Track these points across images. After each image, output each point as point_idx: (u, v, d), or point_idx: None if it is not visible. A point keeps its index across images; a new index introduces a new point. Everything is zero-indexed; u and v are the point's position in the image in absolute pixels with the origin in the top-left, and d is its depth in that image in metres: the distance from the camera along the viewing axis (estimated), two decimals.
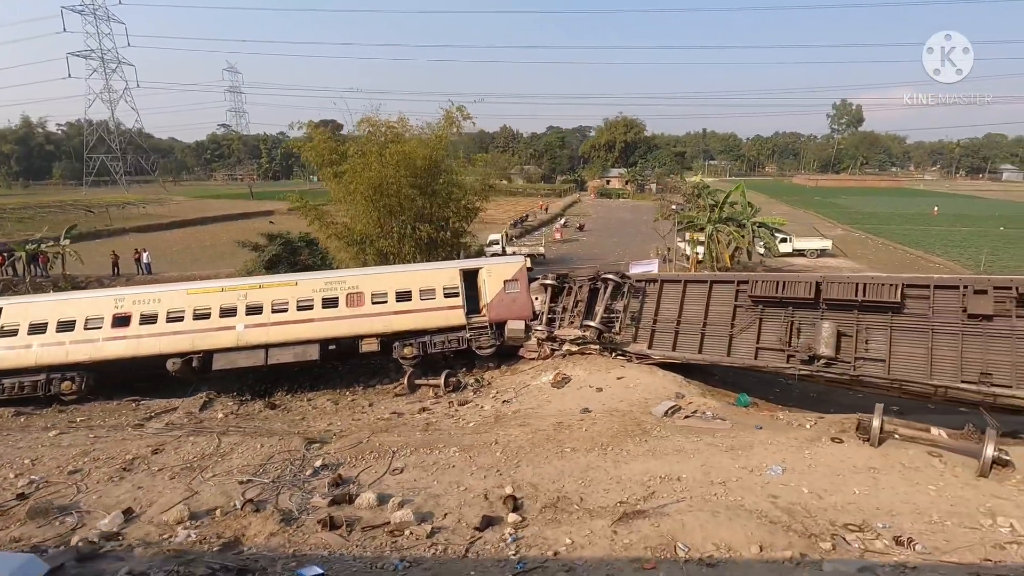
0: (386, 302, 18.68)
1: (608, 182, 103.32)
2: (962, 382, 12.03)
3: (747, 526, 7.25)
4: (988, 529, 8.00)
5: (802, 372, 14.00)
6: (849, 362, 13.34)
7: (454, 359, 19.80)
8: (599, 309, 17.02)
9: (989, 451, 9.20)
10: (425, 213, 25.00)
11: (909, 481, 9.28)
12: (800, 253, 39.37)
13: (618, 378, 15.64)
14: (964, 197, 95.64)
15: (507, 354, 19.76)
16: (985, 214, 67.85)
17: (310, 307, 18.37)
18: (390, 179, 22.95)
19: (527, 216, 56.95)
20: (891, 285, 12.93)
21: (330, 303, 18.48)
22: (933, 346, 12.55)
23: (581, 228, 53.80)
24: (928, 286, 12.95)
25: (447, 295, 18.97)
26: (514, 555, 7.14)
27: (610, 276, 17.29)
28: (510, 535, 7.68)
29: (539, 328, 18.42)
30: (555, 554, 7.07)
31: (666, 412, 12.43)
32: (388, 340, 18.77)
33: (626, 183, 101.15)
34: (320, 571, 6.38)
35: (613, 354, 17.07)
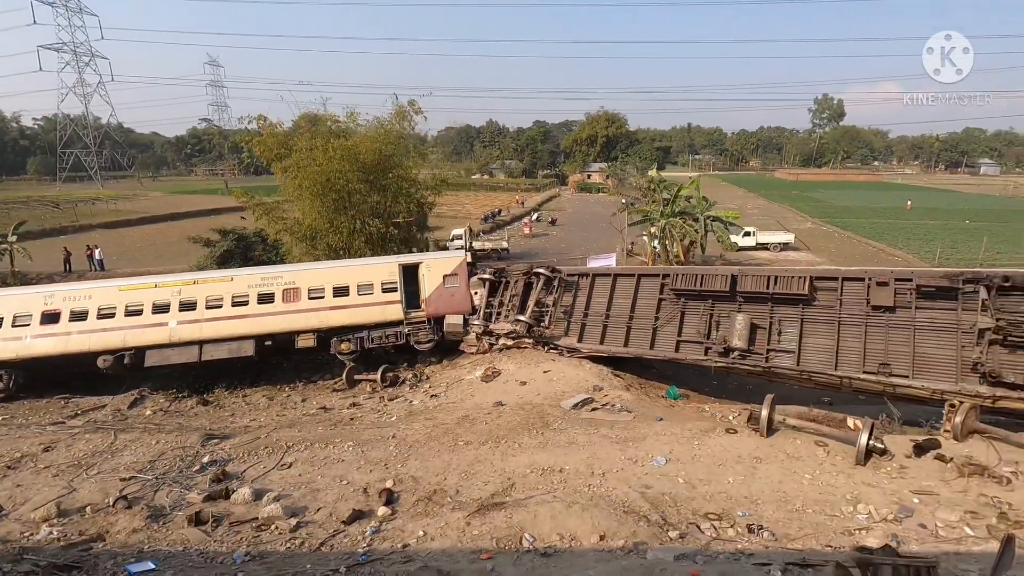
0: (323, 297, 18.63)
1: (589, 177, 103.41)
2: (863, 373, 12.22)
3: (598, 517, 7.34)
4: (846, 516, 8.16)
5: (718, 364, 14.14)
6: (762, 354, 13.49)
7: (397, 354, 19.81)
8: (530, 303, 17.08)
9: (863, 440, 9.36)
10: (376, 208, 24.92)
11: (787, 470, 9.42)
12: (764, 247, 39.69)
13: (544, 372, 15.73)
14: (940, 191, 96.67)
15: (450, 349, 19.80)
16: (956, 208, 68.64)
17: (245, 303, 18.27)
18: (336, 174, 22.82)
19: (500, 211, 56.94)
20: (800, 278, 13.08)
21: (266, 299, 18.39)
22: (840, 337, 12.72)
23: (553, 223, 53.88)
24: (837, 278, 13.12)
25: (385, 290, 18.94)
26: (365, 548, 7.18)
27: (541, 270, 17.35)
28: (372, 528, 7.71)
29: (476, 323, 18.45)
30: (404, 546, 7.12)
31: (576, 405, 12.52)
32: (326, 335, 18.72)
33: (606, 178, 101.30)
34: (152, 566, 6.37)
35: (546, 348, 17.14)
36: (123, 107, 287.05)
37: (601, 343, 16.09)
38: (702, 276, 14.49)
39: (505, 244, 36.92)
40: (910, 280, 12.07)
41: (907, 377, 11.76)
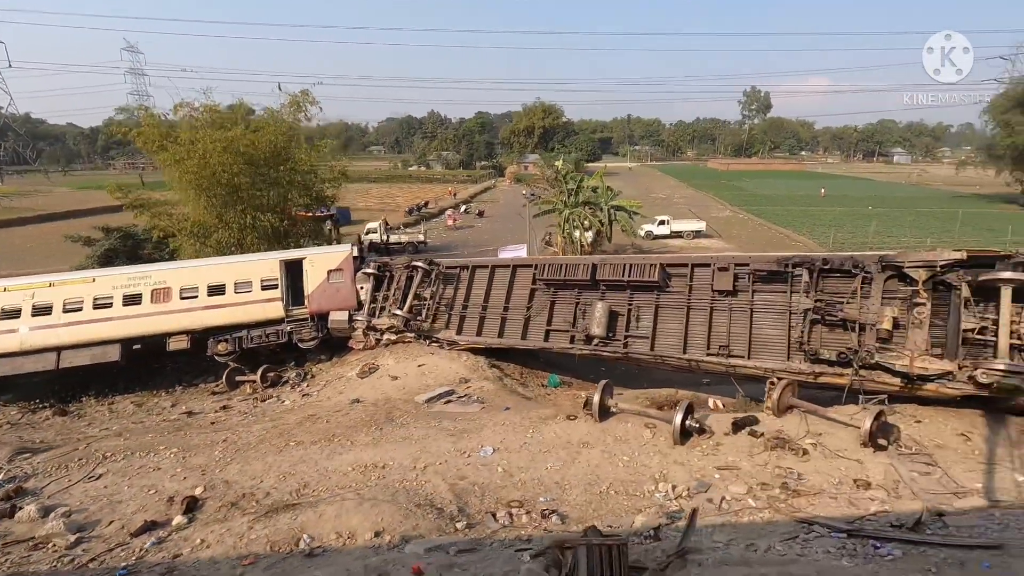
0: (196, 297, 17.78)
1: (526, 168, 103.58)
2: (707, 355, 12.73)
3: (385, 513, 7.28)
4: (646, 495, 8.46)
5: (582, 352, 14.41)
6: (621, 340, 13.83)
7: (287, 352, 19.19)
8: (409, 297, 16.88)
9: (677, 421, 9.72)
10: (268, 203, 23.97)
11: (608, 453, 9.68)
12: (678, 235, 40.92)
13: (419, 365, 15.61)
14: (855, 179, 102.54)
15: (341, 345, 19.35)
16: (865, 195, 72.96)
17: (109, 305, 17.21)
18: (220, 167, 21.76)
19: (427, 203, 56.20)
20: (651, 265, 13.47)
21: (132, 300, 17.38)
22: (688, 322, 13.20)
23: (481, 215, 53.68)
24: (687, 264, 13.59)
25: (265, 287, 18.27)
26: (133, 561, 6.84)
27: (418, 263, 17.16)
28: (155, 540, 7.37)
29: (360, 318, 18.09)
30: (175, 557, 6.84)
31: (431, 399, 12.46)
32: (201, 337, 17.90)
33: (540, 167, 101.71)
34: None
35: (428, 341, 17.01)
36: (33, 96, 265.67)
37: (478, 335, 16.09)
38: (566, 266, 14.70)
39: (422, 237, 36.43)
40: (747, 265, 12.63)
41: (744, 358, 12.32)
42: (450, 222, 46.79)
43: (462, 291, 16.95)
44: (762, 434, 10.00)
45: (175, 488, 8.87)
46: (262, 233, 23.78)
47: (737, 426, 10.31)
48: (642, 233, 41.40)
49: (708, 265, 13.25)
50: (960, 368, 9.92)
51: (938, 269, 10.47)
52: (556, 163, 34.14)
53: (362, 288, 18.85)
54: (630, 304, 13.99)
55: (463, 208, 55.97)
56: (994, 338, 9.96)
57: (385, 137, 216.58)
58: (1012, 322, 9.91)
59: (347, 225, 46.90)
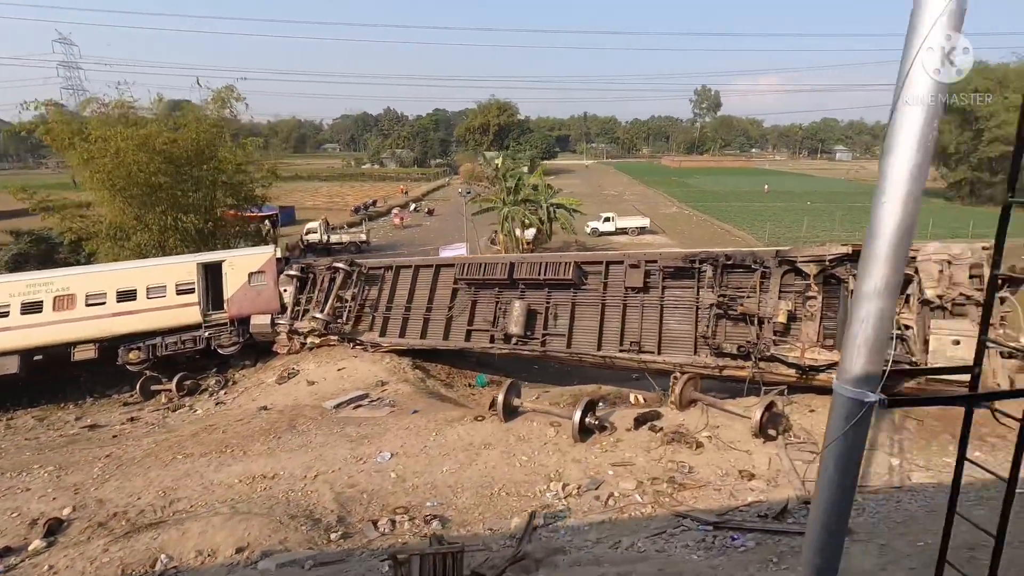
0: (104, 303, 16.85)
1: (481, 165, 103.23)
2: (619, 351, 12.87)
3: (253, 527, 6.99)
4: (536, 495, 8.43)
5: (502, 351, 14.37)
6: (539, 339, 13.84)
7: (209, 359, 18.42)
8: (330, 299, 16.47)
9: (575, 418, 9.75)
10: (191, 203, 22.97)
11: (508, 454, 9.63)
12: (623, 231, 41.49)
13: (339, 369, 15.25)
14: (799, 175, 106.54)
15: (266, 350, 18.71)
16: (806, 191, 75.89)
17: (6, 314, 16.12)
18: (134, 165, 20.69)
19: (375, 201, 55.25)
20: (565, 263, 13.53)
21: (32, 308, 16.33)
22: (603, 319, 13.31)
23: (431, 213, 53.12)
24: (602, 262, 13.70)
25: (181, 292, 17.47)
26: None
27: (339, 264, 16.75)
28: (4, 567, 6.87)
29: (282, 322, 17.53)
30: None
31: (340, 404, 12.16)
32: (112, 345, 16.99)
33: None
34: None
35: (352, 344, 16.63)
36: None
37: (401, 336, 15.83)
38: (485, 265, 14.61)
39: (364, 237, 35.71)
40: (656, 262, 12.83)
41: (654, 353, 12.51)
42: (397, 221, 46.11)
43: (386, 292, 16.64)
44: (662, 429, 10.14)
45: (41, 509, 8.32)
46: (186, 235, 22.80)
47: (639, 422, 10.44)
48: (588, 230, 41.86)
49: (622, 262, 13.38)
50: None
51: (827, 263, 10.85)
52: (496, 161, 33.99)
53: (286, 291, 18.29)
54: (548, 302, 14.01)
55: (413, 207, 55.27)
56: None
57: (340, 135, 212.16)
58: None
59: (291, 225, 45.76)
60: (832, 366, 10.46)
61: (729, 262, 12.04)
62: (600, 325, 13.29)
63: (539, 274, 13.74)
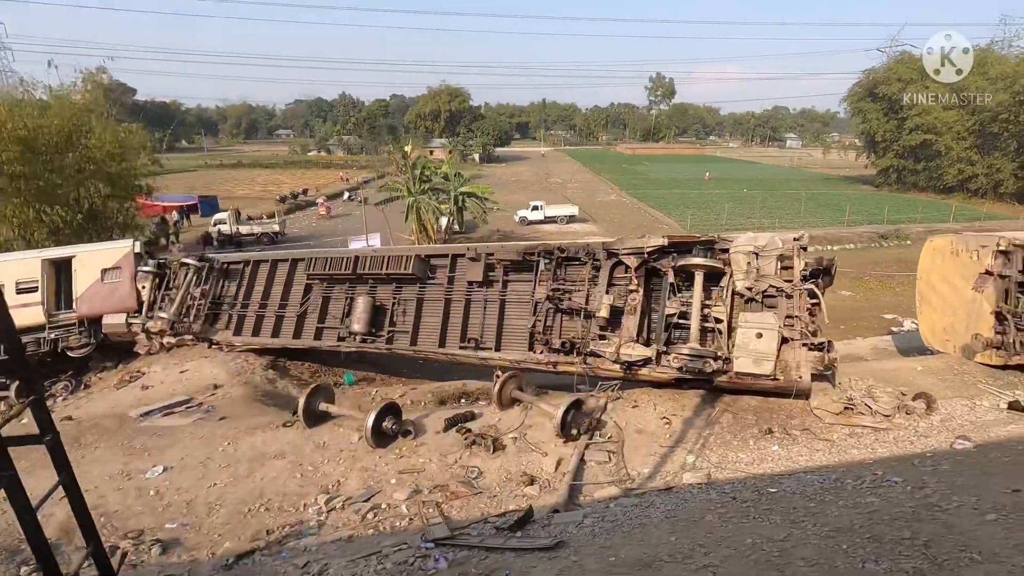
0: None
1: (431, 153, 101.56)
2: (460, 348, 12.41)
3: None
4: (296, 511, 7.89)
5: (349, 349, 13.76)
6: (384, 336, 13.27)
7: (68, 362, 17.21)
8: (178, 297, 15.51)
9: (369, 423, 9.25)
10: (59, 195, 21.41)
11: (296, 464, 9.06)
12: (552, 220, 41.20)
13: (181, 372, 14.40)
14: (746, 162, 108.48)
15: (129, 350, 17.61)
16: (747, 177, 77.21)
17: None
18: None
19: (305, 190, 53.50)
20: (407, 256, 12.95)
21: None
22: (447, 314, 12.82)
23: (365, 202, 51.73)
24: (447, 255, 13.18)
25: (21, 291, 16.20)
26: None
27: (188, 260, 15.78)
28: None
29: (136, 321, 16.45)
30: None
31: (151, 411, 11.36)
32: None
33: (449, 152, 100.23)
34: None
35: (210, 344, 15.73)
36: None
37: (255, 335, 15.02)
38: (331, 259, 13.90)
39: (277, 228, 34.34)
40: (492, 254, 12.37)
41: (492, 350, 12.09)
42: (323, 211, 44.68)
43: (244, 289, 15.76)
44: (469, 431, 9.73)
45: None
46: (55, 228, 21.31)
47: (450, 423, 10.01)
48: (516, 219, 41.46)
49: (465, 255, 12.88)
50: (659, 354, 10.08)
51: (645, 256, 10.57)
52: (405, 148, 33.07)
53: (144, 287, 17.18)
54: (394, 298, 13.43)
55: (347, 195, 53.72)
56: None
57: (293, 120, 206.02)
58: (704, 306, 10.17)
59: (214, 215, 43.82)
60: (648, 361, 10.23)
61: (564, 255, 11.66)
62: (444, 321, 12.79)
63: (381, 268, 13.12)
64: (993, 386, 11.93)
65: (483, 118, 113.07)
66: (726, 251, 10.18)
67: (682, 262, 10.19)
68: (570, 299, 11.24)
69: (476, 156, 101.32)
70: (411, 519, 7.46)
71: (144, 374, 14.89)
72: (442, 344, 12.68)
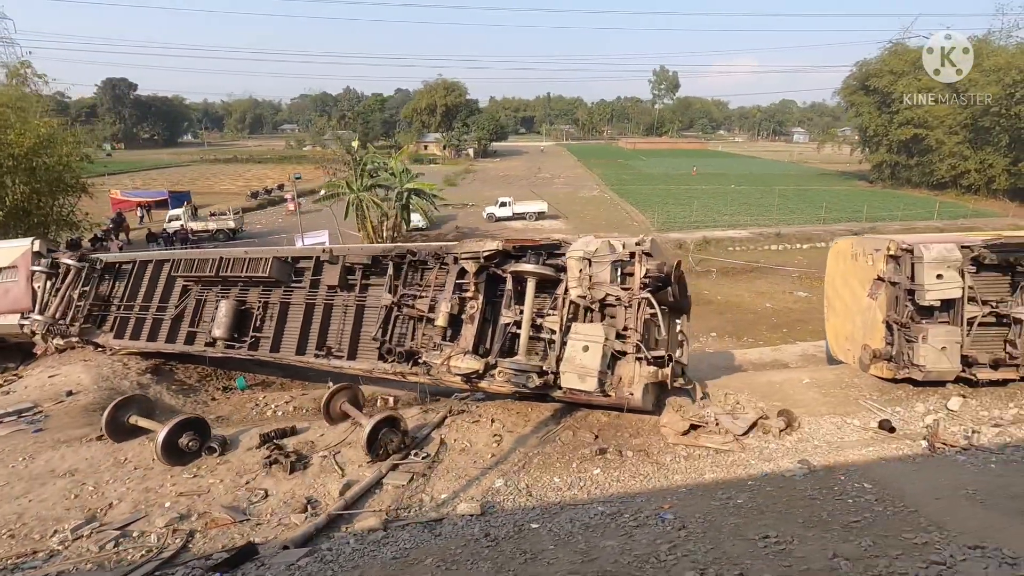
0: None
1: (426, 147, 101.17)
2: (315, 356, 11.79)
3: None
4: (44, 538, 7.33)
5: (214, 355, 13.20)
6: (247, 341, 12.68)
7: None
8: (54, 298, 15.07)
9: (159, 439, 8.65)
10: None
11: (79, 483, 8.49)
12: (520, 216, 40.42)
13: (50, 376, 13.93)
14: (745, 157, 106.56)
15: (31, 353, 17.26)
16: (743, 173, 75.62)
17: None
18: None
19: (281, 185, 53.18)
20: (265, 259, 12.31)
21: None
22: (308, 320, 12.19)
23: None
24: (312, 257, 12.53)
25: None
26: None
27: (68, 260, 15.31)
28: None
29: (26, 322, 16.05)
30: None
31: None
32: None
33: (443, 147, 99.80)
34: None
35: (95, 347, 15.29)
36: None
37: (136, 338, 14.51)
38: (197, 261, 13.33)
39: (232, 224, 33.91)
40: (346, 257, 11.71)
41: (344, 358, 11.45)
42: (291, 207, 44.24)
43: (129, 289, 15.25)
44: (278, 447, 9.10)
45: None
46: None
47: (264, 439, 9.40)
48: (484, 215, 40.77)
49: (336, 259, 12.20)
50: (487, 365, 9.37)
51: (482, 260, 9.84)
52: (354, 142, 32.39)
53: (39, 287, 16.78)
54: (260, 302, 12.82)
55: (323, 191, 53.20)
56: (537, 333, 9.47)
57: (299, 115, 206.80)
58: (540, 315, 9.44)
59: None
60: (479, 374, 9.51)
61: (415, 258, 10.97)
62: (304, 327, 12.17)
63: (242, 271, 12.52)
64: (877, 402, 11.03)
65: (480, 112, 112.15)
66: (561, 254, 9.42)
67: (513, 268, 9.45)
68: (412, 306, 10.55)
69: (471, 151, 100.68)
70: (147, 551, 6.86)
71: (21, 378, 14.47)
72: (301, 351, 12.06)
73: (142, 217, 36.92)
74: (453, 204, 49.00)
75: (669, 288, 9.53)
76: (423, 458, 8.86)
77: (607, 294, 9.13)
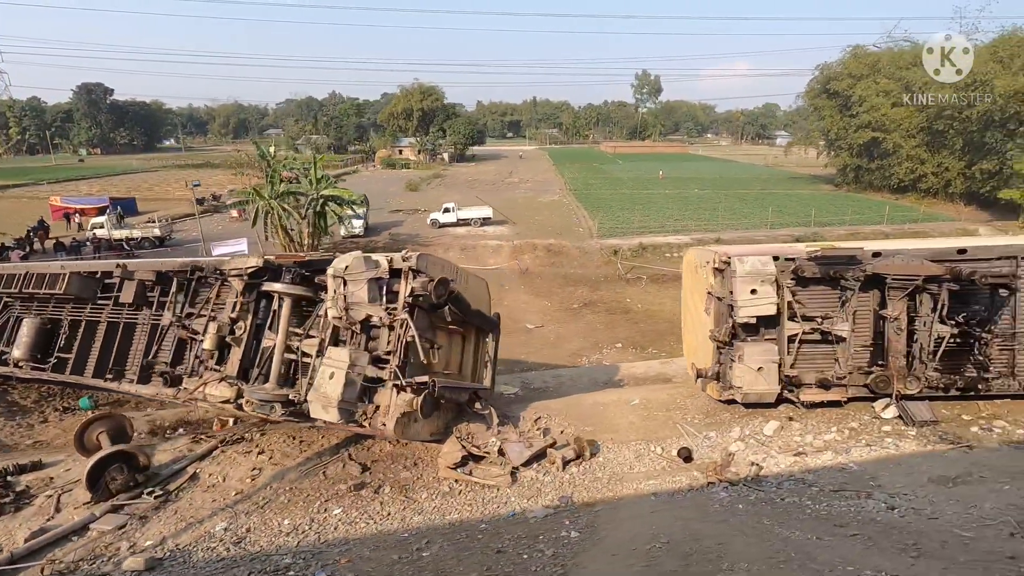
0: None
1: (400, 152, 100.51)
2: (105, 380, 10.95)
3: None
4: None
5: (23, 377, 12.35)
6: (52, 362, 11.84)
7: None
8: None
9: None
10: None
11: None
12: (465, 222, 39.65)
13: None
14: (722, 161, 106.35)
15: None
16: (713, 176, 75.03)
17: None
18: None
19: (233, 190, 52.22)
20: (62, 275, 11.47)
21: None
22: (108, 340, 11.35)
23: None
24: (111, 272, 11.68)
25: None
26: None
27: None
28: None
29: None
30: None
31: None
32: None
33: (418, 152, 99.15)
34: None
35: None
36: None
37: None
38: (4, 277, 12.50)
39: (158, 232, 32.93)
40: (135, 272, 10.88)
41: (135, 382, 10.61)
42: (235, 213, 43.38)
43: None
44: (3, 485, 8.28)
45: None
46: None
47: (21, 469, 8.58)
48: (428, 221, 40.00)
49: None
50: (238, 393, 8.56)
51: (246, 278, 9.05)
52: (268, 147, 31.58)
53: None
54: (67, 319, 11.98)
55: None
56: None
57: (284, 120, 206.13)
58: (295, 337, 8.66)
59: (131, 216, 42.54)
60: (234, 402, 8.70)
61: (202, 274, 10.16)
62: (105, 347, 11.32)
63: (41, 287, 11.68)
64: (698, 425, 10.28)
65: (457, 116, 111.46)
66: (322, 272, 8.64)
67: (267, 287, 8.68)
68: (187, 326, 9.75)
69: (446, 155, 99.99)
70: None
71: None
72: (98, 373, 11.22)
73: (80, 225, 36.03)
74: (405, 210, 48.28)
75: (447, 307, 8.79)
76: (156, 497, 8.06)
77: (368, 315, 8.35)
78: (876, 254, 9.85)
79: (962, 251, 9.83)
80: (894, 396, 9.78)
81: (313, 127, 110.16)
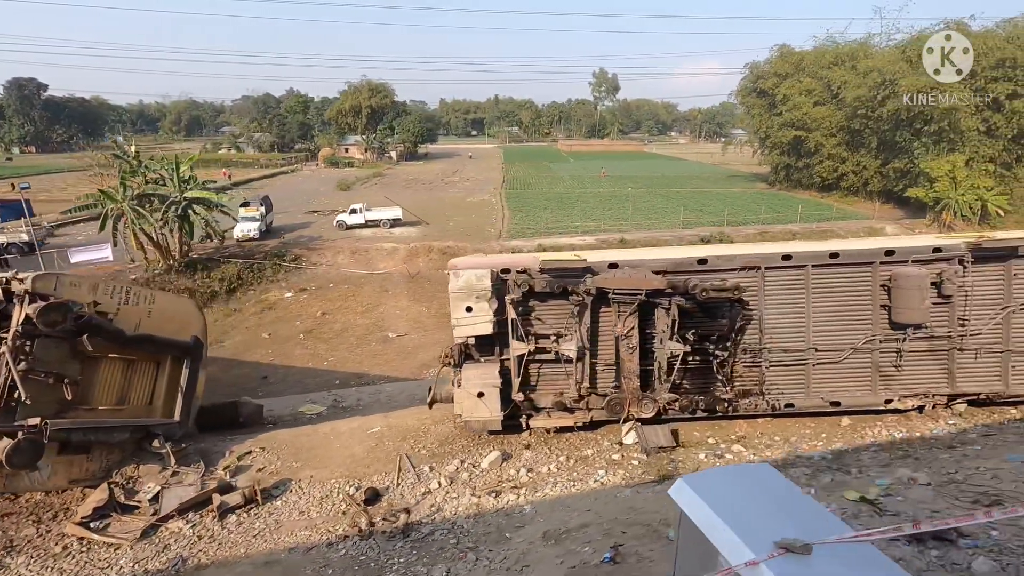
0: None
1: (347, 150, 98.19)
2: None
3: None
4: None
5: None
6: None
7: None
8: None
9: None
10: None
11: None
12: (374, 224, 38.25)
13: None
14: (670, 159, 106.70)
15: None
16: (653, 175, 74.99)
17: None
18: None
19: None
20: None
21: None
22: None
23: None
24: None
25: None
26: None
27: None
28: None
29: None
30: None
31: None
32: None
33: (365, 150, 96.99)
34: None
35: None
36: None
37: None
38: None
39: (25, 236, 30.66)
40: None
41: None
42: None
43: None
44: None
45: None
46: None
47: None
48: (335, 223, 38.50)
49: None
50: None
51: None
52: (130, 147, 29.69)
53: None
54: None
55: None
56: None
57: (240, 116, 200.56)
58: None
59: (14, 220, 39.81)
60: None
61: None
62: None
63: None
64: (420, 458, 9.29)
65: (407, 114, 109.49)
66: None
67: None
68: None
69: (394, 154, 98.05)
70: None
71: None
72: None
73: None
74: (321, 211, 46.57)
75: (84, 336, 7.56)
76: None
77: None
78: (613, 265, 9.00)
79: (703, 261, 9.04)
80: (625, 420, 8.97)
81: (258, 125, 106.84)
